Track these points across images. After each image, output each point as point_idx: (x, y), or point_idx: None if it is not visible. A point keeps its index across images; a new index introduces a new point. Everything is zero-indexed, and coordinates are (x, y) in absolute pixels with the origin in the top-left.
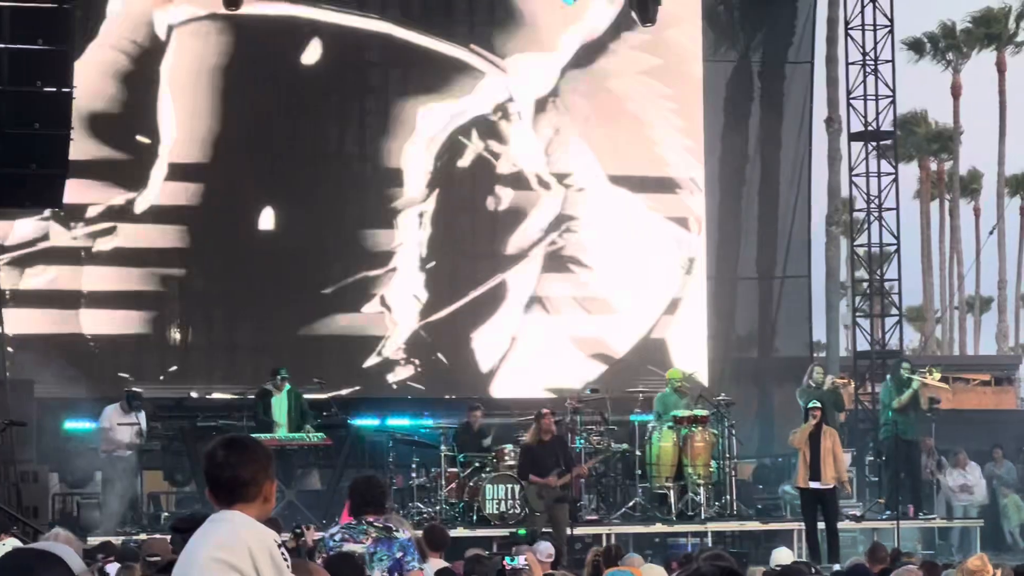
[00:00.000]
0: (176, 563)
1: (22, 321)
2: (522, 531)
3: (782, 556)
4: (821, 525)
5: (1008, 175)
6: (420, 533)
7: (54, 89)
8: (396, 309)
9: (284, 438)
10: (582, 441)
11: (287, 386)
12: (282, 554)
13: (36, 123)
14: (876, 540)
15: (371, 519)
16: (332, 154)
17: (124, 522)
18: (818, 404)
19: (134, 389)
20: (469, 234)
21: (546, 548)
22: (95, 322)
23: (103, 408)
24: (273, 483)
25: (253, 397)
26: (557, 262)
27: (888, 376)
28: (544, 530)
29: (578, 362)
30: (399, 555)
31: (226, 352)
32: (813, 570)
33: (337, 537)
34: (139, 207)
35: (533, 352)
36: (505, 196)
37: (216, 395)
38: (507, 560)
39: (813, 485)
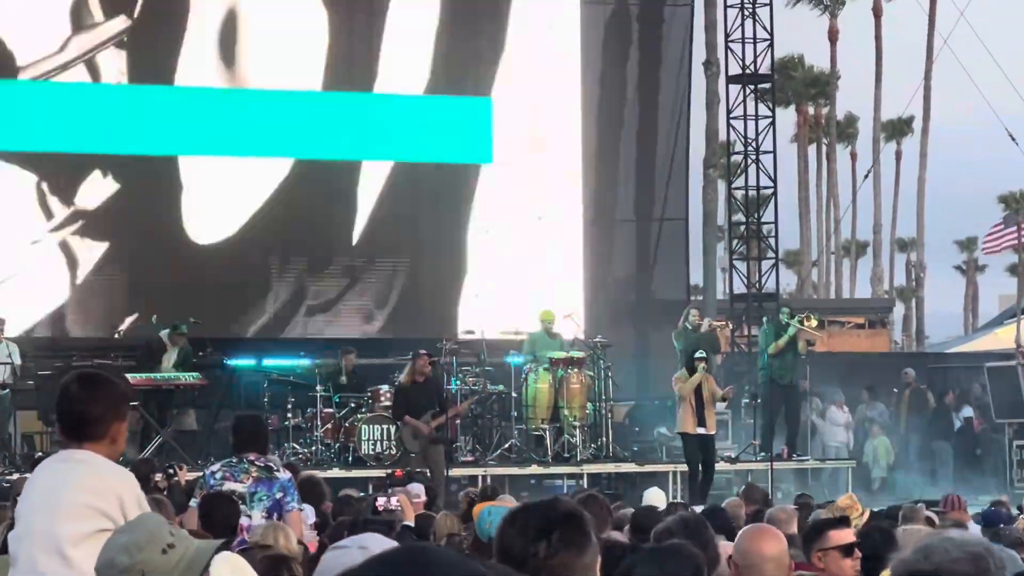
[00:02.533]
0: (24, 499)
1: None
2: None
3: (654, 496)
4: None
5: (884, 120)
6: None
7: None
8: None
9: (159, 378)
10: (458, 382)
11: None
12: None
13: None
14: (750, 481)
15: (252, 458)
16: None
17: None
18: (703, 354)
19: None
20: None
21: (415, 488)
22: None
23: None
24: (123, 424)
25: (145, 341)
26: None
27: (766, 320)
28: (419, 471)
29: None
30: (279, 495)
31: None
32: (689, 510)
33: (218, 475)
34: None
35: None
36: None
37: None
38: (380, 500)
39: (700, 431)
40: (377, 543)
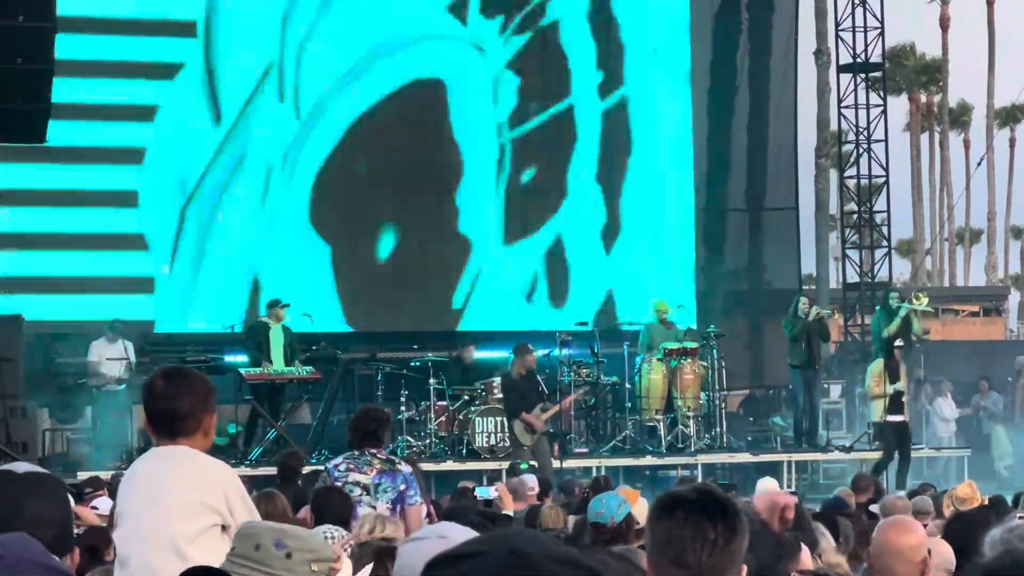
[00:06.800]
0: (126, 498)
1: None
2: (524, 464)
3: (767, 486)
4: None
5: (997, 107)
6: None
7: (36, 24)
8: None
9: (273, 372)
10: (571, 374)
11: (285, 318)
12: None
13: (18, 58)
14: (861, 471)
15: (374, 451)
16: None
17: (114, 457)
18: (902, 342)
19: (115, 320)
20: None
21: (529, 481)
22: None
23: (91, 342)
24: (213, 416)
25: (245, 331)
26: None
27: (878, 308)
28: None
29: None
30: (402, 487)
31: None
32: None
33: (342, 467)
34: None
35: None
36: None
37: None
38: (478, 491)
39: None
40: (457, 532)
